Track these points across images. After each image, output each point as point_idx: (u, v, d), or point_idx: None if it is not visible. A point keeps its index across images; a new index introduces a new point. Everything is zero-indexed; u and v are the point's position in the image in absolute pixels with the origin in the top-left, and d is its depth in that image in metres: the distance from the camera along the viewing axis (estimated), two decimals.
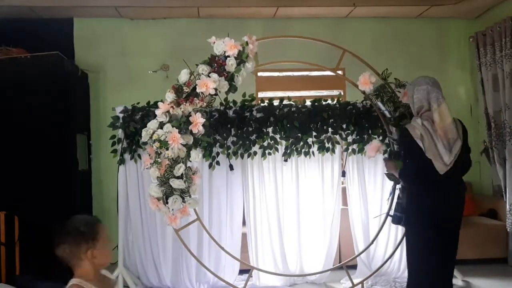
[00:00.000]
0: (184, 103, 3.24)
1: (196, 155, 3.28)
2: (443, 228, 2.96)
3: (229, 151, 4.01)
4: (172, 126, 3.19)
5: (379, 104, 3.75)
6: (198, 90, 3.21)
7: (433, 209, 2.93)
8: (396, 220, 3.63)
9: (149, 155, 3.29)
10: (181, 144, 3.19)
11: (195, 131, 3.23)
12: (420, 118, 2.98)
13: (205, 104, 3.27)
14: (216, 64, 3.29)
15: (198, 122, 3.21)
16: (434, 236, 2.92)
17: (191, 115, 3.24)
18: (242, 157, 4.05)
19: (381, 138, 4.08)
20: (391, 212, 3.74)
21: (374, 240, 4.11)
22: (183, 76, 3.29)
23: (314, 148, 4.11)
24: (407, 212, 3.16)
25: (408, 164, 3.08)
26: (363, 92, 3.73)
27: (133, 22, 5.37)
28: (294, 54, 4.67)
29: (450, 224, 3.00)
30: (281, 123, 4.00)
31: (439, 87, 3.02)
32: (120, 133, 4.01)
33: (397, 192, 3.70)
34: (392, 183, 3.82)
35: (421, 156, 2.89)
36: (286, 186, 4.25)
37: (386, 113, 3.75)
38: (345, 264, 4.15)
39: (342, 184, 4.38)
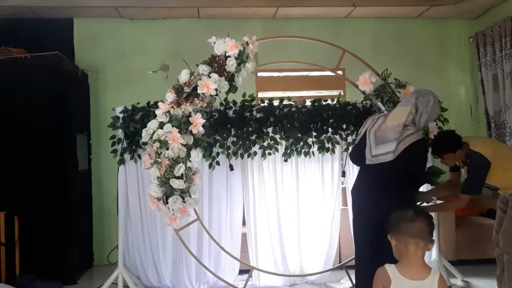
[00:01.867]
0: (185, 103, 3.24)
1: (196, 155, 3.28)
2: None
3: (229, 151, 4.01)
4: (172, 126, 3.19)
5: (379, 104, 3.75)
6: (199, 91, 3.21)
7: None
8: None
9: (149, 155, 3.30)
10: (181, 144, 3.20)
11: (195, 131, 3.23)
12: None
13: (205, 104, 3.27)
14: (217, 64, 3.29)
15: (198, 123, 3.21)
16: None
17: (191, 116, 3.24)
18: (242, 157, 4.05)
19: None
20: None
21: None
22: (184, 76, 3.29)
23: (314, 148, 4.11)
24: None
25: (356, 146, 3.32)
26: (363, 92, 3.73)
27: (133, 22, 5.37)
28: (294, 54, 4.68)
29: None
30: (281, 123, 4.00)
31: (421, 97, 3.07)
32: (120, 133, 4.01)
33: None
34: None
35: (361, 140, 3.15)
36: (286, 186, 4.24)
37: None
38: (345, 264, 4.14)
39: (342, 184, 4.37)
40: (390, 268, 2.04)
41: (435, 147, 3.38)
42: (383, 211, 2.86)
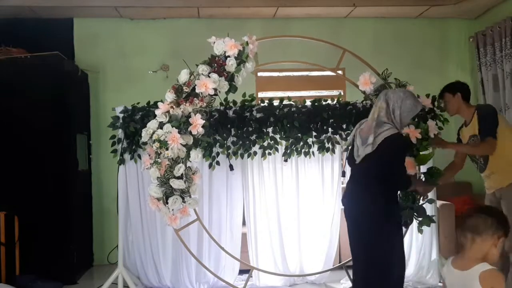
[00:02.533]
0: (184, 103, 3.24)
1: (196, 155, 3.28)
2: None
3: (229, 151, 4.01)
4: (172, 127, 3.19)
5: None
6: (197, 90, 3.21)
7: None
8: None
9: (149, 155, 3.30)
10: (181, 144, 3.19)
11: (194, 132, 3.23)
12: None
13: (204, 104, 3.27)
14: (216, 64, 3.29)
15: (197, 124, 3.21)
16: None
17: (191, 116, 3.24)
18: (242, 157, 4.05)
19: None
20: None
21: None
22: (183, 76, 3.29)
23: (314, 148, 4.11)
24: None
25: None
26: (364, 92, 3.73)
27: (133, 22, 5.37)
28: (294, 54, 4.67)
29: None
30: (281, 123, 3.99)
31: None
32: (120, 133, 4.01)
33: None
34: None
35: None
36: (286, 186, 4.24)
37: None
38: (345, 264, 4.15)
39: (342, 184, 4.37)
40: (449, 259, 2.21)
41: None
42: (360, 210, 2.94)
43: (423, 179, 3.54)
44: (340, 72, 4.50)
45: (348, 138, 3.29)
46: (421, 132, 3.51)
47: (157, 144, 3.18)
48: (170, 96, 3.28)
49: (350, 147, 3.18)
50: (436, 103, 3.81)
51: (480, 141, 3.40)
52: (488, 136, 3.35)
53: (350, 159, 3.09)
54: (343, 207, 3.25)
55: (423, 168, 3.75)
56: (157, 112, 3.29)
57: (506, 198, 3.37)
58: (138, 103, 4.00)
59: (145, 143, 3.39)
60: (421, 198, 3.51)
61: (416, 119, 3.55)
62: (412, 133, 3.50)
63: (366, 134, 2.95)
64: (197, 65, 3.30)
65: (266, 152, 4.05)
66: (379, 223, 2.87)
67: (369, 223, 2.90)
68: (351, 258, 4.19)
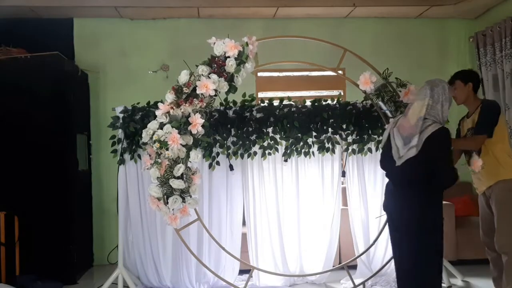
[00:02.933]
0: (184, 104, 3.24)
1: (196, 155, 3.28)
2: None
3: (229, 151, 4.02)
4: (172, 127, 3.19)
5: (380, 103, 3.74)
6: (198, 92, 3.21)
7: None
8: None
9: (149, 155, 3.30)
10: (181, 144, 3.20)
11: (194, 132, 3.23)
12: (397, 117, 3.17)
13: (204, 104, 3.27)
14: (216, 64, 3.29)
15: (197, 123, 3.21)
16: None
17: (190, 116, 3.24)
18: (242, 157, 4.05)
19: (380, 137, 4.08)
20: None
21: (375, 241, 4.11)
22: (183, 77, 3.29)
23: (314, 148, 4.11)
24: None
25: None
26: (364, 92, 3.73)
27: (133, 22, 5.37)
28: (294, 55, 4.68)
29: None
30: (281, 123, 4.00)
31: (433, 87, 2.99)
32: (120, 133, 4.01)
33: None
34: None
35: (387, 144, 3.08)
36: (286, 186, 4.25)
37: (388, 112, 3.75)
38: (347, 264, 4.15)
39: (342, 184, 4.38)
40: None
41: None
42: (410, 214, 2.85)
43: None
44: (340, 72, 4.50)
45: (383, 138, 3.20)
46: None
47: (157, 145, 3.18)
48: (170, 97, 3.29)
49: (384, 148, 3.12)
50: None
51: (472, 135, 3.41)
52: (482, 133, 3.33)
53: (388, 160, 3.00)
54: (384, 212, 3.14)
55: None
56: (157, 112, 3.29)
57: (495, 197, 3.36)
58: (138, 103, 4.00)
59: (145, 144, 3.40)
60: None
61: None
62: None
63: (408, 134, 2.88)
64: (197, 66, 3.30)
65: (266, 152, 4.06)
66: (427, 226, 2.86)
67: (420, 227, 2.86)
68: (352, 259, 4.24)
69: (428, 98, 2.92)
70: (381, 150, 3.32)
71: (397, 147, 2.94)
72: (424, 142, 2.81)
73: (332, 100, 4.15)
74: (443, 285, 4.09)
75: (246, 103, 4.01)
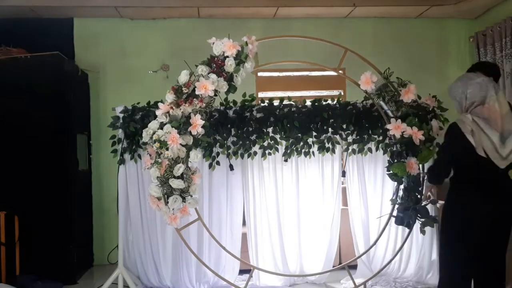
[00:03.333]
0: (184, 104, 3.24)
1: (195, 155, 3.28)
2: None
3: (229, 151, 4.01)
4: (172, 127, 3.19)
5: (381, 103, 3.74)
6: (197, 92, 3.22)
7: (480, 218, 2.70)
8: (399, 221, 3.62)
9: (150, 155, 3.30)
10: (181, 144, 3.20)
11: (194, 132, 3.23)
12: (470, 114, 2.74)
13: (204, 104, 3.27)
14: (215, 64, 3.29)
15: (197, 124, 3.21)
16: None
17: (190, 116, 3.24)
18: (242, 157, 4.05)
19: (380, 138, 4.09)
20: (395, 213, 3.72)
21: (376, 242, 4.11)
22: (183, 77, 3.29)
23: (314, 148, 4.11)
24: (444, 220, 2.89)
25: (440, 162, 2.90)
26: (365, 92, 3.72)
27: (133, 22, 5.37)
28: (294, 54, 4.68)
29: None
30: (281, 123, 4.00)
31: (492, 81, 2.82)
32: (120, 133, 4.01)
33: (400, 192, 3.69)
34: (394, 183, 3.81)
35: (471, 154, 2.67)
36: (286, 186, 4.24)
37: (389, 112, 3.74)
38: (347, 264, 4.14)
39: (342, 184, 4.37)
40: None
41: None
42: None
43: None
44: (340, 72, 4.49)
45: (452, 140, 2.77)
46: (424, 133, 3.49)
47: (157, 144, 3.18)
48: (170, 97, 3.29)
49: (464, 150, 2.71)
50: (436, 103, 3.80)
51: None
52: None
53: (484, 164, 2.65)
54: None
55: (426, 168, 3.74)
56: (157, 112, 3.30)
57: None
58: (138, 103, 4.00)
59: (145, 143, 3.40)
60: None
61: (417, 119, 3.54)
62: (415, 134, 3.47)
63: (507, 130, 2.65)
64: (197, 66, 3.30)
65: (266, 152, 4.05)
66: None
67: None
68: (353, 259, 4.23)
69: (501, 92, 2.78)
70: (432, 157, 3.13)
71: (494, 145, 2.64)
72: None
73: (332, 100, 4.15)
74: None
75: (246, 103, 4.01)
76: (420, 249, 4.27)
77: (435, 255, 4.23)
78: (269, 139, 4.04)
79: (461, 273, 2.80)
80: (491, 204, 2.69)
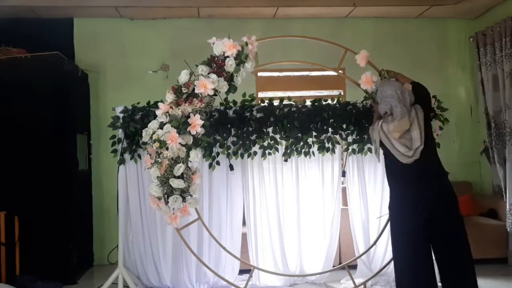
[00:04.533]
0: (183, 104, 3.24)
1: (195, 155, 3.28)
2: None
3: (229, 151, 4.01)
4: (171, 127, 3.19)
5: None
6: (196, 91, 3.22)
7: (411, 208, 3.15)
8: None
9: (150, 155, 3.30)
10: (181, 144, 3.20)
11: (193, 132, 3.23)
12: (381, 121, 3.28)
13: (204, 104, 3.27)
14: (215, 64, 3.29)
15: (196, 124, 3.21)
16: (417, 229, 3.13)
17: (190, 116, 3.24)
18: (242, 157, 4.05)
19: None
20: None
21: (376, 242, 4.11)
22: (183, 76, 3.29)
23: (314, 148, 4.11)
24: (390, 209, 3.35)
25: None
26: (365, 92, 3.72)
27: (133, 22, 5.37)
28: (294, 54, 4.68)
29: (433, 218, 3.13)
30: (281, 123, 4.00)
31: (403, 101, 3.18)
32: (120, 133, 4.01)
33: None
34: None
35: (388, 153, 3.25)
36: (286, 186, 4.24)
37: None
38: (347, 264, 4.14)
39: (342, 184, 4.37)
40: None
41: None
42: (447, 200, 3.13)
43: None
44: (340, 72, 4.50)
45: (376, 150, 3.44)
46: None
47: (157, 144, 3.18)
48: (170, 96, 3.29)
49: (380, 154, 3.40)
50: (436, 103, 3.80)
51: None
52: None
53: (394, 167, 3.31)
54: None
55: None
56: (157, 112, 3.30)
57: None
58: (138, 103, 4.00)
59: (145, 143, 3.40)
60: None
61: None
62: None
63: (407, 139, 3.21)
64: (197, 66, 3.30)
65: (266, 152, 4.05)
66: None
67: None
68: (353, 259, 4.24)
69: (406, 115, 3.14)
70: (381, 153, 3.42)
71: (399, 150, 3.18)
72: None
73: (332, 100, 4.15)
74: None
75: (246, 103, 4.01)
76: None
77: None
78: (269, 139, 4.04)
79: (413, 248, 3.11)
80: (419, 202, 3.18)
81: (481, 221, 4.95)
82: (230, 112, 3.99)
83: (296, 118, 3.99)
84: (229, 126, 3.97)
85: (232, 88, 3.34)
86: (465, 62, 5.69)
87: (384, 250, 4.30)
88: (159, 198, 3.26)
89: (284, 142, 4.08)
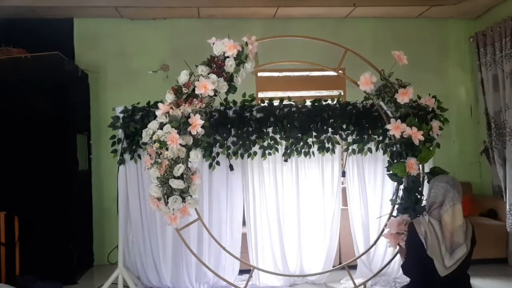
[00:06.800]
0: (184, 104, 3.24)
1: (195, 155, 3.28)
2: None
3: (229, 151, 4.02)
4: (171, 127, 3.19)
5: (381, 103, 3.73)
6: (197, 92, 3.22)
7: None
8: None
9: (150, 155, 3.30)
10: (181, 144, 3.20)
11: (193, 132, 3.23)
12: (428, 215, 2.92)
13: (204, 105, 3.27)
14: (215, 64, 3.29)
15: (197, 124, 3.21)
16: None
17: (190, 116, 3.24)
18: (242, 157, 4.05)
19: (380, 138, 4.09)
20: (394, 213, 3.72)
21: (376, 242, 4.10)
22: (183, 77, 3.29)
23: (314, 148, 4.11)
24: None
25: (409, 259, 3.02)
26: (365, 92, 3.72)
27: (133, 22, 5.37)
28: (294, 55, 4.68)
29: None
30: (281, 123, 4.00)
31: (457, 187, 2.93)
32: (120, 133, 4.01)
33: (400, 192, 3.68)
34: (393, 183, 3.81)
35: (423, 253, 2.84)
36: (286, 186, 4.25)
37: (389, 112, 3.74)
38: (347, 264, 4.14)
39: (342, 184, 4.37)
40: None
41: None
42: None
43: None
44: (340, 72, 4.50)
45: (410, 243, 3.01)
46: (424, 134, 3.49)
47: (157, 145, 3.18)
48: (170, 97, 3.29)
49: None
50: (436, 103, 3.80)
51: None
52: None
53: (430, 273, 2.88)
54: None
55: (426, 168, 3.74)
56: (157, 112, 3.30)
57: None
58: (138, 103, 4.00)
59: (145, 144, 3.40)
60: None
61: (417, 119, 3.53)
62: (415, 134, 3.47)
63: (456, 242, 2.95)
64: (197, 66, 3.30)
65: (266, 152, 4.06)
66: None
67: None
68: (353, 259, 4.23)
69: (459, 201, 2.92)
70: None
71: (442, 256, 2.84)
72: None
73: (332, 100, 4.15)
74: None
75: (246, 103, 4.01)
76: None
77: None
78: (269, 139, 4.04)
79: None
80: None
81: (481, 221, 4.95)
82: (230, 112, 3.99)
83: (296, 118, 3.99)
84: (229, 126, 3.98)
85: (232, 89, 3.34)
86: (465, 62, 5.69)
87: (384, 250, 4.30)
88: (158, 199, 3.26)
89: (284, 142, 4.08)
